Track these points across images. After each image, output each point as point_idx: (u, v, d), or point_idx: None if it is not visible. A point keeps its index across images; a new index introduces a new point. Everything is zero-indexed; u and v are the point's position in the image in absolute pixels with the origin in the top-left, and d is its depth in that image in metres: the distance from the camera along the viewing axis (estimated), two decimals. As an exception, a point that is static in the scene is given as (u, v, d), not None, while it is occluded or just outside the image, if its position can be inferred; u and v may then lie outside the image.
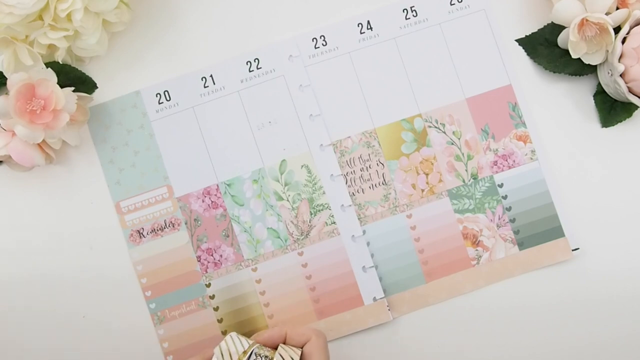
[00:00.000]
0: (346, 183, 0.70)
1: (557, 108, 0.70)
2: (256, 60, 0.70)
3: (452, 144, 0.70)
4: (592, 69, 0.69)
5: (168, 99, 0.70)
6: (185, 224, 0.69)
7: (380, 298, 0.68)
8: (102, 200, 0.69)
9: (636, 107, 0.68)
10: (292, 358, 0.57)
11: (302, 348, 0.59)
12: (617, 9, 0.65)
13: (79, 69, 0.68)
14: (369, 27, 0.70)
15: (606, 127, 0.69)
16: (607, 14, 0.64)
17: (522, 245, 0.69)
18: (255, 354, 0.57)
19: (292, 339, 0.59)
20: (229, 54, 0.70)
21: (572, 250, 0.69)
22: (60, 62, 0.66)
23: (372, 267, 0.69)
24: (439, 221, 0.70)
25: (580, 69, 0.69)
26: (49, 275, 0.69)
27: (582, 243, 0.69)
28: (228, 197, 0.69)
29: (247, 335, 0.67)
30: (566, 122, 0.70)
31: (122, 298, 0.69)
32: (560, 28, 0.68)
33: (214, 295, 0.69)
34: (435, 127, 0.70)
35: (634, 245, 0.69)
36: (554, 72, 0.69)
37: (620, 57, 0.65)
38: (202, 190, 0.69)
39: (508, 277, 0.69)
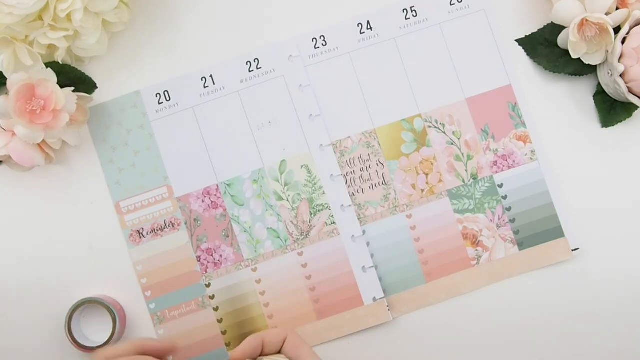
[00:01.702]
0: (346, 183, 0.70)
1: (557, 108, 0.70)
2: (256, 60, 0.70)
3: (452, 144, 0.70)
4: (592, 69, 0.69)
5: (168, 99, 0.70)
6: (185, 224, 0.69)
7: (380, 298, 0.68)
8: (102, 200, 0.69)
9: (636, 107, 0.68)
10: None
11: (281, 352, 0.57)
12: (617, 9, 0.65)
13: (79, 69, 0.68)
14: (369, 27, 0.70)
15: (606, 127, 0.69)
16: (607, 14, 0.64)
17: (522, 245, 0.69)
18: None
19: (270, 343, 0.56)
20: (229, 54, 0.70)
21: (572, 250, 0.69)
22: (60, 62, 0.66)
23: (372, 267, 0.69)
24: (438, 221, 0.70)
25: (580, 69, 0.69)
26: (48, 275, 0.69)
27: (582, 243, 0.69)
28: (228, 197, 0.69)
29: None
30: (566, 122, 0.70)
31: (122, 298, 0.69)
32: (560, 28, 0.68)
33: (213, 296, 0.69)
34: (435, 127, 0.70)
35: (634, 245, 0.69)
36: (554, 72, 0.69)
37: (620, 57, 0.65)
38: (202, 190, 0.69)
39: (508, 277, 0.69)
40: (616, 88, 0.66)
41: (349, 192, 0.69)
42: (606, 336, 0.69)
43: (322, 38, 0.70)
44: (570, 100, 0.70)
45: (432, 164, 0.70)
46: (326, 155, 0.70)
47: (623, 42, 0.65)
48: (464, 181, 0.70)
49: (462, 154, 0.70)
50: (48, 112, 0.62)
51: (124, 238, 0.69)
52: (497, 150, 0.70)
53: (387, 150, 0.70)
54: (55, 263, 0.69)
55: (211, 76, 0.70)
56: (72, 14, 0.61)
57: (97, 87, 0.68)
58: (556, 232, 0.69)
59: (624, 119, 0.69)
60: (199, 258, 0.69)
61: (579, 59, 0.67)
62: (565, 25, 0.66)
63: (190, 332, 0.69)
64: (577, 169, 0.70)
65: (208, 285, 0.69)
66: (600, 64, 0.68)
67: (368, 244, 0.69)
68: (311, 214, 0.69)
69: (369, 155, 0.70)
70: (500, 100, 0.70)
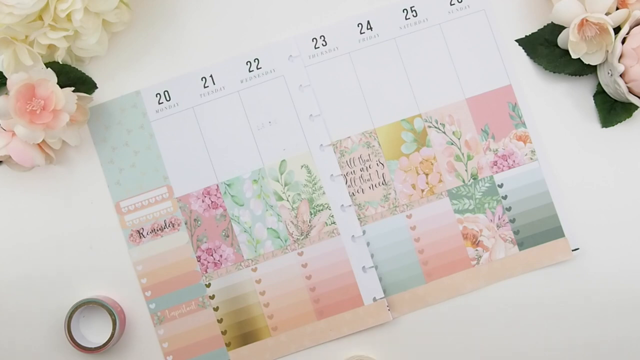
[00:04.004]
0: (346, 183, 0.70)
1: (557, 108, 0.70)
2: (256, 60, 0.70)
3: (452, 144, 0.70)
4: (592, 69, 0.69)
5: (168, 99, 0.70)
6: (185, 224, 0.69)
7: (380, 298, 0.68)
8: (102, 200, 0.69)
9: (636, 107, 0.68)
10: None
11: None
12: (617, 9, 0.65)
13: (79, 69, 0.68)
14: (369, 27, 0.70)
15: (606, 127, 0.69)
16: (607, 14, 0.64)
17: (522, 245, 0.69)
18: None
19: None
20: (229, 54, 0.70)
21: (572, 250, 0.69)
22: (60, 62, 0.66)
23: (372, 267, 0.69)
24: (439, 221, 0.70)
25: (580, 69, 0.69)
26: (48, 275, 0.69)
27: (582, 243, 0.69)
28: (228, 197, 0.69)
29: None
30: (566, 122, 0.70)
31: (122, 298, 0.69)
32: (560, 28, 0.68)
33: (213, 296, 0.69)
34: (435, 127, 0.70)
35: (634, 245, 0.69)
36: (554, 72, 0.69)
37: (620, 57, 0.65)
38: (202, 190, 0.69)
39: (508, 277, 0.69)
40: (616, 88, 0.66)
41: (349, 192, 0.69)
42: (606, 336, 0.69)
43: (322, 38, 0.70)
44: (570, 100, 0.70)
45: (432, 164, 0.70)
46: (326, 155, 0.70)
47: (623, 42, 0.65)
48: (464, 181, 0.70)
49: (462, 154, 0.70)
50: (48, 112, 0.62)
51: (124, 238, 0.69)
52: (497, 150, 0.70)
53: (387, 150, 0.70)
54: (55, 263, 0.69)
55: (211, 76, 0.70)
56: (72, 14, 0.61)
57: (97, 87, 0.68)
58: (556, 232, 0.69)
59: (624, 119, 0.69)
60: (199, 258, 0.69)
61: (579, 59, 0.67)
62: (565, 25, 0.66)
63: (190, 332, 0.69)
64: (577, 169, 0.70)
65: (208, 285, 0.69)
66: (600, 64, 0.68)
67: (368, 244, 0.69)
68: (311, 214, 0.69)
69: (369, 155, 0.70)
70: (500, 100, 0.70)
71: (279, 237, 0.69)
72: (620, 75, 0.65)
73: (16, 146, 0.64)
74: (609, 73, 0.67)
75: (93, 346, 0.66)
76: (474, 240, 0.69)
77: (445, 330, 0.69)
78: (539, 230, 0.69)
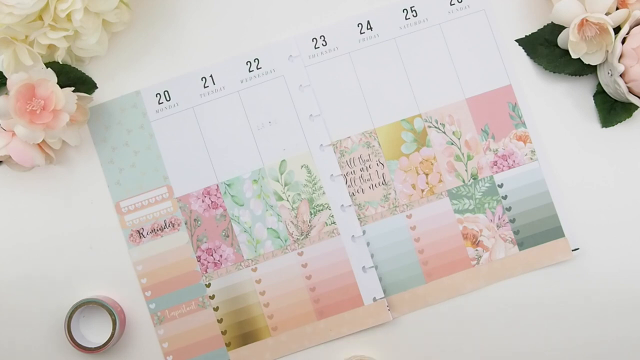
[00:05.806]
0: (346, 183, 0.70)
1: (557, 108, 0.70)
2: (256, 60, 0.70)
3: (452, 144, 0.70)
4: (592, 69, 0.69)
5: (168, 99, 0.70)
6: (185, 224, 0.69)
7: (380, 298, 0.68)
8: (102, 200, 0.69)
9: (636, 107, 0.68)
10: None
11: None
12: (617, 9, 0.65)
13: (79, 69, 0.68)
14: (369, 27, 0.70)
15: (606, 127, 0.69)
16: (607, 14, 0.64)
17: (522, 245, 0.69)
18: None
19: None
20: (229, 54, 0.70)
21: (572, 250, 0.69)
22: (60, 62, 0.66)
23: (372, 267, 0.69)
24: (439, 221, 0.69)
25: (580, 69, 0.69)
26: (49, 275, 0.69)
27: (582, 243, 0.69)
28: (228, 197, 0.69)
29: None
30: (566, 122, 0.70)
31: (122, 298, 0.69)
32: (560, 28, 0.68)
33: (213, 296, 0.69)
34: (435, 127, 0.70)
35: (634, 245, 0.69)
36: (554, 72, 0.69)
37: (620, 57, 0.65)
38: (202, 190, 0.69)
39: (508, 277, 0.69)
40: (616, 88, 0.66)
41: (349, 192, 0.69)
42: (606, 336, 0.69)
43: (322, 38, 0.70)
44: (570, 100, 0.71)
45: (432, 164, 0.70)
46: (326, 155, 0.70)
47: (623, 42, 0.65)
48: (464, 181, 0.70)
49: (462, 154, 0.70)
50: (48, 112, 0.62)
51: (124, 238, 0.69)
52: (497, 150, 0.70)
53: (387, 150, 0.70)
54: (55, 263, 0.69)
55: (211, 76, 0.70)
56: (72, 14, 0.61)
57: (97, 87, 0.68)
58: (556, 232, 0.69)
59: (624, 119, 0.69)
60: (199, 258, 0.69)
61: (579, 59, 0.67)
62: (565, 25, 0.66)
63: (190, 332, 0.69)
64: (577, 169, 0.70)
65: (208, 285, 0.69)
66: (600, 64, 0.68)
67: (368, 244, 0.69)
68: (311, 214, 0.69)
69: (369, 155, 0.70)
70: (500, 100, 0.70)
71: (279, 237, 0.69)
72: (620, 75, 0.65)
73: (16, 146, 0.64)
74: (609, 73, 0.67)
75: (93, 346, 0.66)
76: (474, 240, 0.69)
77: (445, 330, 0.69)
78: (539, 230, 0.69)
